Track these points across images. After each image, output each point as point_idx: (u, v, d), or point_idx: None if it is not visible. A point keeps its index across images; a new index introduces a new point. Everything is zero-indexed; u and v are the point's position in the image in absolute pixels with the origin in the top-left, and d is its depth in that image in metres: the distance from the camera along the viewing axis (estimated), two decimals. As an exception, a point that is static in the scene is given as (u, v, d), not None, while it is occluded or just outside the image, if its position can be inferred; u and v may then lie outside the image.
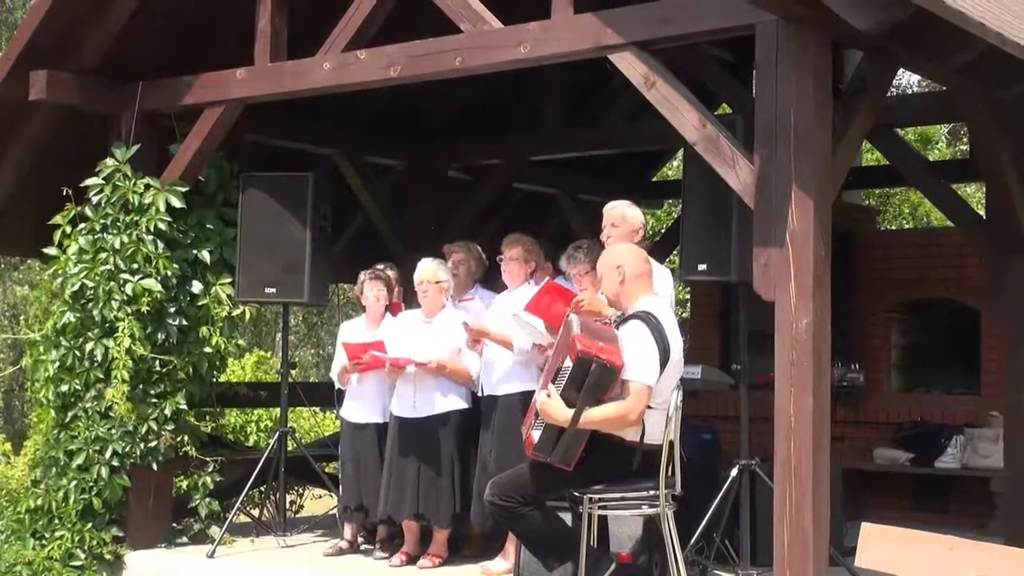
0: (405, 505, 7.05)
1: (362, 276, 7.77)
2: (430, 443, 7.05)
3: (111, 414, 7.81)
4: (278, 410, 8.57)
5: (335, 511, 8.17)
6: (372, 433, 7.51)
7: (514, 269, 7.04)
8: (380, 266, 7.92)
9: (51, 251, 8.14)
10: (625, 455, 5.46)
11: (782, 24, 5.53)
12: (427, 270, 7.18)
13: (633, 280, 5.60)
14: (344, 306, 20.47)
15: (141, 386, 7.91)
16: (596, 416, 5.29)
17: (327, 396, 8.29)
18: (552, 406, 5.34)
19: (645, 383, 5.32)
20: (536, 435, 5.43)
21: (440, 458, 7.03)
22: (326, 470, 8.99)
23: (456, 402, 7.12)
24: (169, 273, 7.93)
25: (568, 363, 5.38)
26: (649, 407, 5.40)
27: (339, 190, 9.29)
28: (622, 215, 6.49)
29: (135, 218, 7.95)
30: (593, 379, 5.26)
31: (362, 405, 7.58)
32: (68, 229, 8.10)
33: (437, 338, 7.10)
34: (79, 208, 8.08)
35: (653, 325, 5.39)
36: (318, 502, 11.47)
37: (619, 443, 5.44)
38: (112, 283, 7.84)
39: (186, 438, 8.02)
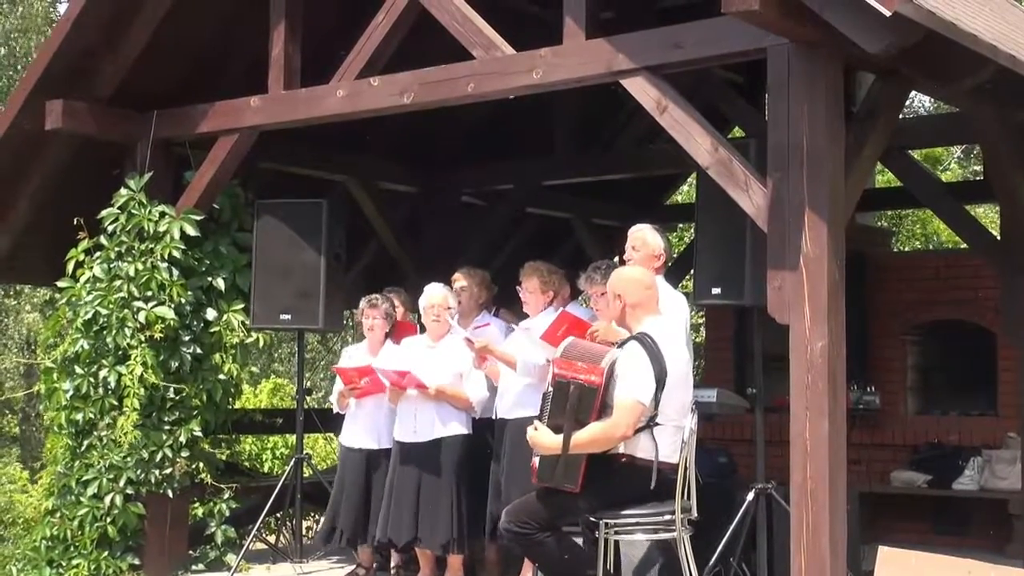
0: (403, 529, 7.03)
1: (362, 304, 7.76)
2: (429, 468, 7.04)
3: (127, 441, 7.82)
4: (293, 437, 8.57)
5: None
6: (361, 458, 7.50)
7: (531, 300, 7.03)
8: (383, 293, 7.90)
9: (63, 283, 8.18)
10: (641, 475, 5.43)
11: (793, 48, 5.54)
12: (438, 296, 7.18)
13: (635, 307, 5.63)
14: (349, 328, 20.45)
15: (155, 413, 7.93)
16: (585, 437, 5.32)
17: (342, 422, 8.28)
18: (540, 437, 5.41)
19: (633, 398, 5.31)
20: (537, 461, 5.48)
21: (438, 483, 7.02)
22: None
23: (456, 428, 7.10)
24: (183, 300, 7.96)
25: (550, 388, 5.45)
26: (658, 424, 5.39)
27: (353, 216, 9.31)
28: (643, 239, 6.49)
29: (150, 246, 7.99)
30: (573, 400, 5.31)
31: (355, 430, 7.58)
32: (82, 258, 8.15)
33: (440, 362, 7.10)
34: (93, 240, 8.12)
35: (648, 345, 5.39)
36: (334, 528, 11.44)
37: (633, 463, 5.43)
38: (126, 311, 7.87)
39: (201, 465, 8.03)
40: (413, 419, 7.10)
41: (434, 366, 7.07)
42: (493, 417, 7.08)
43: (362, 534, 7.40)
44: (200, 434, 8.01)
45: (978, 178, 15.68)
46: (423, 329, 7.40)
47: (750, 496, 6.27)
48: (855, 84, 8.94)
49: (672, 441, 5.47)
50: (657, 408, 5.38)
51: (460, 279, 7.57)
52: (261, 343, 8.36)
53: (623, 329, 5.75)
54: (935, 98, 11.76)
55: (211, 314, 8.12)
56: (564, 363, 5.43)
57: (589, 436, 5.32)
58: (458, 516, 7.00)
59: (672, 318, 5.94)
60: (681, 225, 15.68)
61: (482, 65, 6.69)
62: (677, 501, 5.40)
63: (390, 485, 7.17)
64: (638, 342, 5.43)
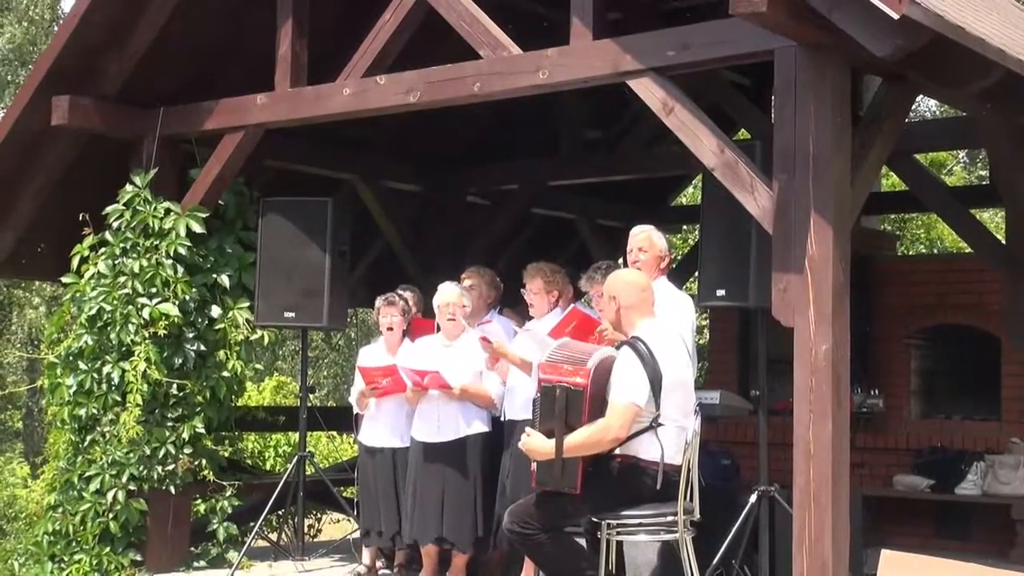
0: (429, 529, 7.04)
1: (378, 302, 7.76)
2: (454, 467, 7.03)
3: (128, 438, 7.82)
4: (296, 434, 8.57)
5: (353, 536, 8.17)
6: (387, 457, 7.48)
7: (537, 302, 7.03)
8: (398, 291, 7.91)
9: (67, 279, 8.20)
10: (643, 477, 5.43)
11: (800, 50, 5.54)
12: (452, 294, 7.16)
13: (628, 309, 5.62)
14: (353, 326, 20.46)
15: (158, 410, 7.94)
16: (577, 440, 5.32)
17: (345, 420, 8.30)
18: (533, 443, 5.41)
19: (627, 400, 5.31)
20: (536, 467, 5.47)
21: (464, 482, 7.02)
22: (344, 495, 8.99)
23: (478, 426, 7.10)
24: (188, 297, 7.96)
25: (538, 395, 5.45)
26: (660, 424, 5.38)
27: (358, 215, 9.31)
28: (649, 240, 6.48)
29: (155, 242, 7.99)
30: (561, 404, 5.30)
31: (378, 429, 7.56)
32: (87, 254, 8.16)
33: (459, 361, 7.09)
34: (98, 236, 8.13)
35: (640, 350, 5.38)
36: (336, 526, 11.47)
37: (636, 465, 5.42)
38: (130, 307, 7.88)
39: (204, 462, 8.03)
40: (436, 419, 7.08)
41: (453, 365, 7.06)
42: (502, 418, 7.09)
43: (399, 532, 7.38)
44: (203, 431, 8.01)
45: (984, 183, 15.68)
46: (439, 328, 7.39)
47: (752, 498, 6.26)
48: (862, 87, 8.94)
49: (675, 442, 5.46)
50: (658, 409, 5.37)
51: (469, 278, 7.57)
52: (266, 340, 8.36)
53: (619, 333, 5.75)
54: (942, 102, 11.76)
55: (216, 311, 8.12)
56: (549, 367, 5.44)
57: (581, 439, 5.32)
58: (484, 514, 7.01)
59: (669, 320, 5.93)
60: (685, 227, 15.69)
61: (489, 65, 6.69)
62: (680, 502, 5.39)
63: (413, 486, 7.16)
64: (630, 347, 5.42)
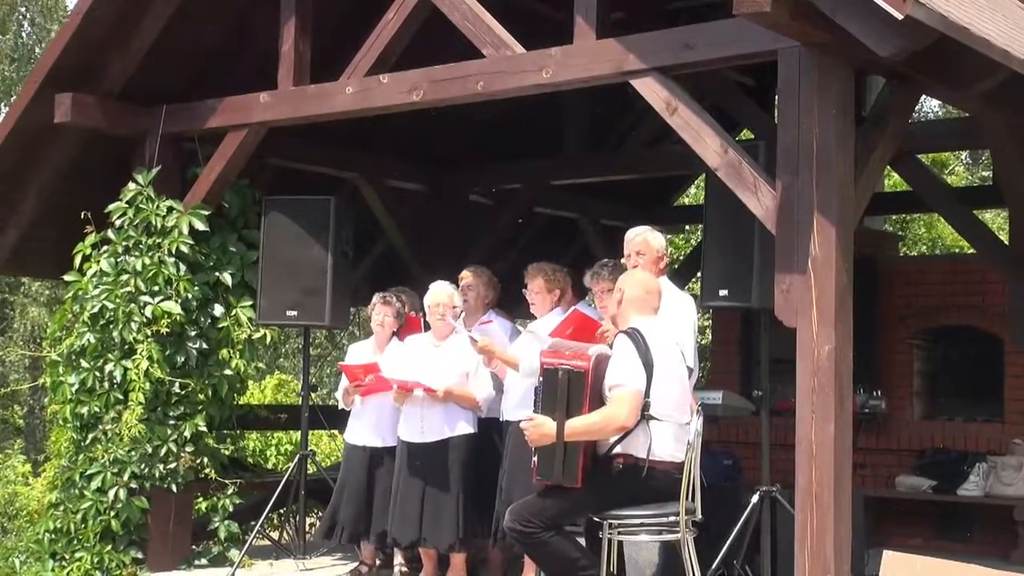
0: (410, 530, 7.03)
1: (375, 298, 7.76)
2: (436, 468, 7.03)
3: (129, 436, 7.82)
4: (298, 433, 8.56)
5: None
6: (365, 456, 7.49)
7: (539, 301, 7.03)
8: (393, 291, 7.90)
9: (70, 277, 8.20)
10: (635, 472, 5.43)
11: (804, 51, 5.54)
12: (444, 294, 7.16)
13: (629, 303, 5.67)
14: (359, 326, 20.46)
15: (160, 408, 7.94)
16: (581, 424, 5.34)
17: (347, 419, 8.29)
18: (535, 426, 5.42)
19: (631, 387, 5.33)
20: (536, 459, 5.48)
21: (445, 483, 7.01)
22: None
23: (463, 427, 7.09)
24: (190, 296, 7.96)
25: (540, 380, 5.50)
26: (654, 418, 5.38)
27: (361, 214, 9.31)
28: (645, 242, 6.46)
29: (157, 240, 7.99)
30: (563, 385, 5.34)
31: (359, 428, 7.58)
32: (89, 252, 8.16)
33: (446, 362, 7.08)
34: (101, 233, 8.13)
35: (636, 339, 5.42)
36: (337, 525, 11.44)
37: (635, 463, 5.42)
38: (132, 305, 7.88)
39: (206, 460, 8.04)
40: (420, 420, 7.08)
41: (440, 366, 7.05)
42: (500, 418, 7.08)
43: (364, 531, 7.41)
44: (205, 429, 8.01)
45: (987, 183, 15.67)
46: (428, 327, 7.39)
47: (755, 499, 6.26)
48: (865, 88, 8.92)
49: (675, 440, 5.48)
50: (647, 397, 5.37)
51: (468, 277, 7.56)
52: (268, 339, 8.35)
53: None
54: (945, 102, 11.75)
55: (218, 310, 8.12)
56: (551, 353, 5.52)
57: (584, 424, 5.33)
58: (464, 515, 6.99)
59: (666, 321, 5.93)
60: (688, 227, 15.68)
61: (492, 64, 6.68)
62: (681, 502, 5.39)
63: (397, 485, 7.16)
64: (626, 335, 5.48)
